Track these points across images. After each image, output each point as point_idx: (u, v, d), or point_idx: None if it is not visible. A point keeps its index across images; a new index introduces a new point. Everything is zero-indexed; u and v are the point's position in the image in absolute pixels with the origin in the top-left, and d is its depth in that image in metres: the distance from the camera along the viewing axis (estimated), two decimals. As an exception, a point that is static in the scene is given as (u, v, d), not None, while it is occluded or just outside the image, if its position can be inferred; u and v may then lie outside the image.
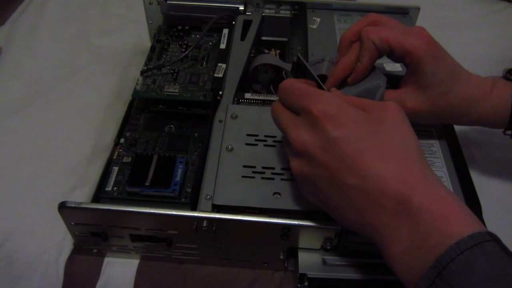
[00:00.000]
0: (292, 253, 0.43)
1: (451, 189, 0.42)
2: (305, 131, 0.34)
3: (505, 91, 0.43)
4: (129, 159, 0.50)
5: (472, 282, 0.27)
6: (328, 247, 0.42)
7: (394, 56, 0.42)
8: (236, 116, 0.48)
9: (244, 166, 0.43)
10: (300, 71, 0.44)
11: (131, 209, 0.40)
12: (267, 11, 0.65)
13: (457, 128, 0.49)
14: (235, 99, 0.52)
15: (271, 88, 0.57)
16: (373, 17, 0.44)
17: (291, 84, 0.37)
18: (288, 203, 0.41)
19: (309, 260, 0.42)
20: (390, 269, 0.32)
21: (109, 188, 0.47)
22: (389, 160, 0.32)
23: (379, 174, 0.31)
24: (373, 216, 0.32)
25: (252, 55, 0.58)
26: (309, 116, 0.33)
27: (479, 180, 0.45)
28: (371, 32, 0.41)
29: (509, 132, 0.45)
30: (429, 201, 0.30)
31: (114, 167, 0.49)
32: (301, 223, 0.39)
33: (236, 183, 0.42)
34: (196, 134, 0.53)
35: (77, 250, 0.46)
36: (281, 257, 0.44)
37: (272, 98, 0.52)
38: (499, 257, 0.28)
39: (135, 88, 0.55)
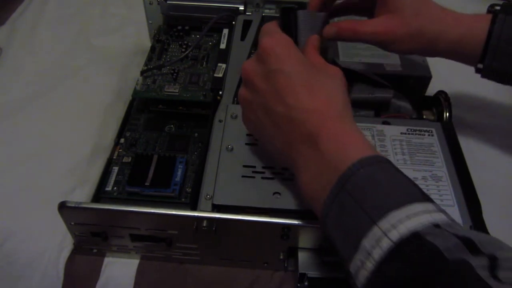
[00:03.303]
0: (292, 253, 0.43)
1: (451, 189, 0.42)
2: (254, 61, 0.39)
3: (482, 20, 0.44)
4: (129, 159, 0.50)
5: (372, 190, 0.30)
6: (328, 247, 0.42)
7: None
8: (236, 116, 0.48)
9: (244, 166, 0.43)
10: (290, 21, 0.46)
11: (131, 209, 0.40)
12: (267, 11, 0.65)
13: (457, 128, 0.49)
14: (235, 99, 0.52)
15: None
16: None
17: (264, 25, 0.41)
18: (288, 203, 0.41)
19: (309, 260, 0.42)
20: (302, 199, 0.35)
21: (109, 188, 0.47)
22: (315, 97, 0.35)
23: (303, 106, 0.35)
24: (293, 145, 0.36)
25: (252, 55, 0.58)
26: (260, 49, 0.38)
27: (479, 180, 0.45)
28: None
29: (480, 66, 0.45)
30: (336, 134, 0.34)
31: (114, 167, 0.49)
32: (301, 223, 0.39)
33: (236, 183, 0.42)
34: (196, 134, 0.53)
35: (77, 250, 0.46)
36: (281, 257, 0.44)
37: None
38: (395, 172, 0.32)
39: (135, 88, 0.55)
